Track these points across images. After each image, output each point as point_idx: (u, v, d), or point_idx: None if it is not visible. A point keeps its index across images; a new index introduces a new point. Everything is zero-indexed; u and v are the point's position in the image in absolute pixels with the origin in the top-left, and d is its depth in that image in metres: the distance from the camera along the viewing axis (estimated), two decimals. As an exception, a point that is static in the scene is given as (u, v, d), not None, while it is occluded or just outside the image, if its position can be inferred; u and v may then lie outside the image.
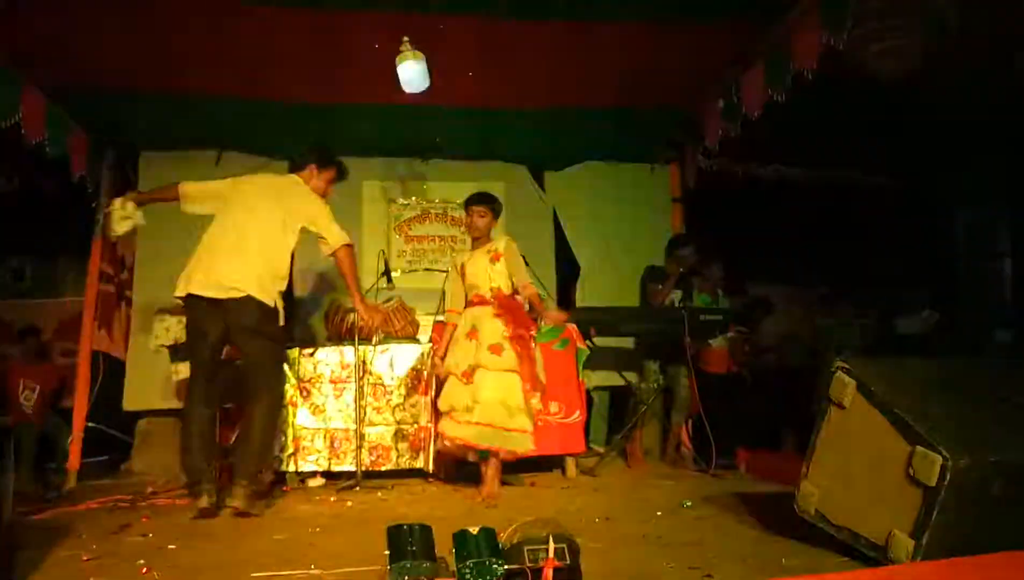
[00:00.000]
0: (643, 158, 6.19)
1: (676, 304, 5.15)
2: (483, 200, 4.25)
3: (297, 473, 4.46)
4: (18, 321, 7.08)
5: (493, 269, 4.15)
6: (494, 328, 3.98)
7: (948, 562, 2.17)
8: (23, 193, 6.28)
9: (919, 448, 2.29)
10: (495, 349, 3.91)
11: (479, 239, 4.25)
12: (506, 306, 4.08)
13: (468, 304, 4.20)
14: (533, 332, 4.12)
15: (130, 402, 5.43)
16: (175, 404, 5.30)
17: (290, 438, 4.44)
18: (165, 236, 5.82)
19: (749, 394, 5.53)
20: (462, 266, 4.28)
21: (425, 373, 4.61)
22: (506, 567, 2.05)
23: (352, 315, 4.58)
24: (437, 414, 4.23)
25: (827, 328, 6.72)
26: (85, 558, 2.72)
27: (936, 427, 2.33)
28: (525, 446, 3.94)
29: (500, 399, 3.85)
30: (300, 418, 4.48)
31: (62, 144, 4.94)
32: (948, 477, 2.20)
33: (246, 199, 3.81)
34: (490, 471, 3.91)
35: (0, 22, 3.90)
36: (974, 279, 6.84)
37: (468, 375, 3.93)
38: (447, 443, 3.99)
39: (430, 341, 4.77)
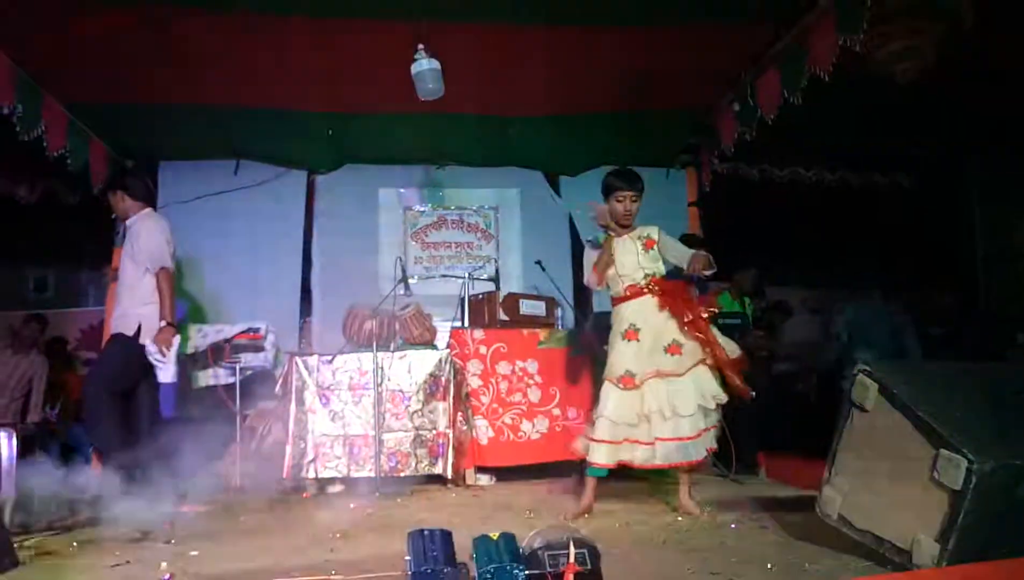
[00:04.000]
0: (659, 162, 6.17)
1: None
2: (634, 183, 3.65)
3: (317, 479, 4.48)
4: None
5: (647, 257, 3.62)
6: (663, 324, 3.51)
7: (974, 567, 2.14)
8: (45, 205, 6.37)
9: (944, 451, 2.26)
10: (673, 349, 3.46)
11: (626, 226, 3.67)
12: (669, 291, 3.57)
13: (619, 299, 3.64)
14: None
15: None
16: (196, 412, 5.36)
17: (310, 445, 4.46)
18: (188, 246, 5.90)
19: (768, 398, 5.49)
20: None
21: (443, 379, 4.62)
22: (527, 572, 2.04)
23: (370, 322, 4.61)
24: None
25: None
26: (110, 565, 2.75)
27: (961, 430, 2.30)
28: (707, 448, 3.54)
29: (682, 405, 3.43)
30: (319, 425, 4.49)
31: (83, 155, 5.02)
32: (974, 480, 2.17)
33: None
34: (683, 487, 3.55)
35: (22, 37, 3.98)
36: (996, 280, 6.75)
37: (630, 381, 3.46)
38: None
39: (448, 347, 4.78)
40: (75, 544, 3.11)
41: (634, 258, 3.59)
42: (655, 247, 3.62)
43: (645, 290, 3.55)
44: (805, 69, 4.07)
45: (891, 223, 6.87)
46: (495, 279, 5.37)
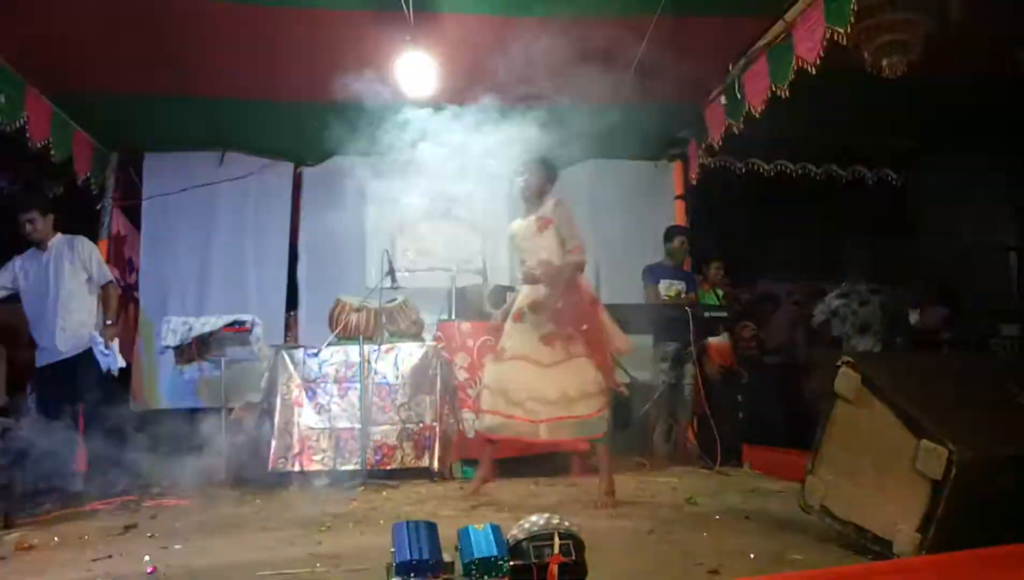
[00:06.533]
0: (647, 155, 6.19)
1: (681, 295, 5.16)
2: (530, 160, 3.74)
3: (302, 473, 4.46)
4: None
5: (541, 238, 3.57)
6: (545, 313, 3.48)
7: (954, 555, 2.16)
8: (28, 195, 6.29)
9: (925, 441, 2.28)
10: (548, 339, 3.45)
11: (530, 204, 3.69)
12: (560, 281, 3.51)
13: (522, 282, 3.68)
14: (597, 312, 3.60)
15: (137, 403, 5.46)
16: (181, 404, 5.34)
17: (296, 438, 4.44)
18: (171, 238, 5.86)
19: (753, 390, 5.52)
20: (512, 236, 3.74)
21: (430, 372, 4.61)
22: (512, 563, 2.04)
23: (356, 315, 4.60)
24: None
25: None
26: (92, 558, 2.73)
27: (942, 420, 2.32)
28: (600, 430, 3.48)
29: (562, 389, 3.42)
30: (305, 418, 4.48)
31: (67, 146, 4.97)
32: (954, 470, 2.19)
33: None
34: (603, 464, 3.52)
35: (4, 25, 3.93)
36: (980, 273, 6.81)
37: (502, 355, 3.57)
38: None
39: (435, 340, 4.77)
40: (57, 538, 3.09)
41: (531, 241, 3.61)
42: (551, 227, 3.55)
43: (538, 276, 3.54)
44: (792, 62, 4.08)
45: (876, 216, 6.91)
46: (482, 272, 5.35)
